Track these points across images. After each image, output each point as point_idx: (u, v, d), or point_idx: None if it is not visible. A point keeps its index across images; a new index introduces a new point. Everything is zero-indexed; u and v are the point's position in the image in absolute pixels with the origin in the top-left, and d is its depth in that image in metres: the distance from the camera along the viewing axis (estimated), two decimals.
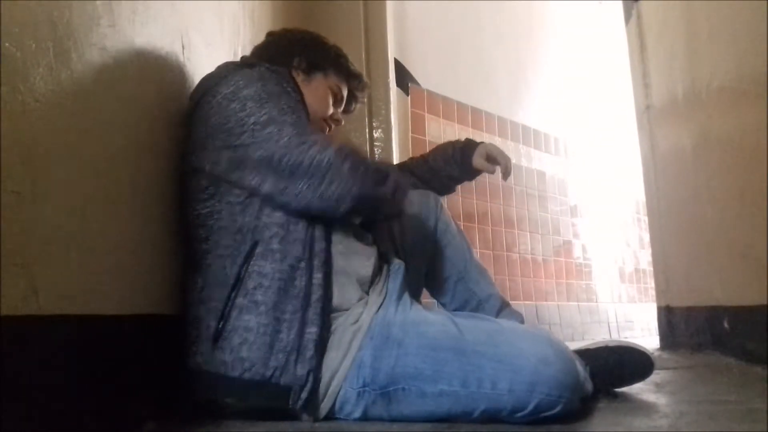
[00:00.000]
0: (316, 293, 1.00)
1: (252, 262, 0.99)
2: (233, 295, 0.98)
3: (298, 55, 1.25)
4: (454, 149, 1.41)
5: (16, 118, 0.71)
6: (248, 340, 0.96)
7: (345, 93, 1.32)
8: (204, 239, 1.03)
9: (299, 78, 1.23)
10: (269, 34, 1.32)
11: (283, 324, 0.97)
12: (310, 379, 0.96)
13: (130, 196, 0.98)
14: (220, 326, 0.98)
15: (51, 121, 0.77)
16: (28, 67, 0.73)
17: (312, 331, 0.98)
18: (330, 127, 1.31)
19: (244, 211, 1.01)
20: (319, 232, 1.04)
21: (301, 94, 1.11)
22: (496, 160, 1.37)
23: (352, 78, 1.32)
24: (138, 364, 0.95)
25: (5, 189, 0.69)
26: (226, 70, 1.08)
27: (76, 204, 0.83)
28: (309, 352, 0.97)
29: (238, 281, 0.99)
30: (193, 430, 0.97)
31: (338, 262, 1.06)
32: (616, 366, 1.13)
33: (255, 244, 1.00)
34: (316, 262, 1.02)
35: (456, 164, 1.40)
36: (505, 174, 1.37)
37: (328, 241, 1.05)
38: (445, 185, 1.45)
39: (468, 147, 1.40)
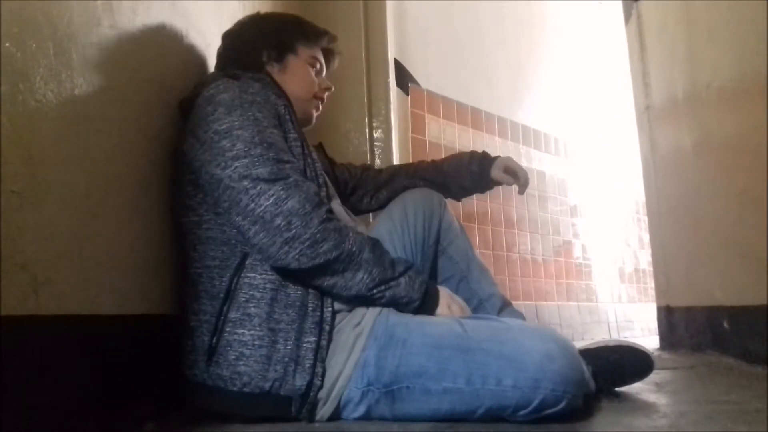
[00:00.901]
0: (313, 302, 1.00)
1: (242, 274, 0.99)
2: (225, 309, 0.98)
3: (264, 48, 1.22)
4: (471, 159, 1.41)
5: (17, 118, 0.71)
6: (244, 354, 0.96)
7: (321, 57, 1.30)
8: (192, 247, 1.03)
9: (275, 70, 1.22)
10: (225, 36, 1.26)
11: (279, 335, 0.97)
12: (312, 388, 0.95)
13: (130, 196, 0.98)
14: (214, 341, 0.97)
15: (51, 122, 0.77)
16: (28, 67, 0.73)
17: (311, 340, 0.97)
18: (323, 100, 1.30)
19: (231, 221, 1.00)
20: None
21: (287, 98, 1.12)
22: (515, 173, 1.39)
23: (320, 39, 1.29)
24: (137, 364, 0.94)
25: (5, 189, 0.69)
26: (212, 77, 1.08)
27: (76, 204, 0.82)
28: (308, 361, 0.96)
29: (229, 294, 0.98)
30: (193, 430, 0.97)
31: None
32: (616, 365, 1.13)
33: (245, 256, 1.00)
34: None
35: (470, 174, 1.40)
36: (522, 188, 1.39)
37: None
38: (453, 193, 1.44)
39: (486, 159, 1.41)
